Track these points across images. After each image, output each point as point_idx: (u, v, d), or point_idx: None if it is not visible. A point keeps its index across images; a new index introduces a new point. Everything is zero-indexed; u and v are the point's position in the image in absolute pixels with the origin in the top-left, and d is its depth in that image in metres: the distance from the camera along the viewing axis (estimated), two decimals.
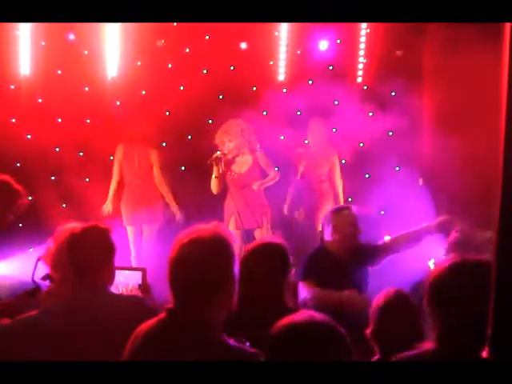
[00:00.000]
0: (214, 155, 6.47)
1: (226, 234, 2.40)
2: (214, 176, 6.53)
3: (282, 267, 3.22)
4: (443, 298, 2.28)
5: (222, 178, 6.54)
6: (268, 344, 1.98)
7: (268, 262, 3.19)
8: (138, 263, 6.73)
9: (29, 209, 4.57)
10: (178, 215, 6.97)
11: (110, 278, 2.99)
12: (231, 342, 2.31)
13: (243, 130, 6.58)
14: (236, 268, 2.37)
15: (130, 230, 6.98)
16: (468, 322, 2.21)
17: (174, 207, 6.98)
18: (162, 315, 2.38)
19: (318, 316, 1.98)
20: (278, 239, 3.44)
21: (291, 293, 3.30)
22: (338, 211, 4.77)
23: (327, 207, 6.95)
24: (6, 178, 4.34)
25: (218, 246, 2.34)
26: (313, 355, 1.89)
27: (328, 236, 4.66)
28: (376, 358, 3.13)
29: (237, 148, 6.58)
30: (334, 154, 7.28)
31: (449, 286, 2.28)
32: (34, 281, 3.44)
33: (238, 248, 6.62)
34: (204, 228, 2.38)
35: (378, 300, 3.19)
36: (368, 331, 3.18)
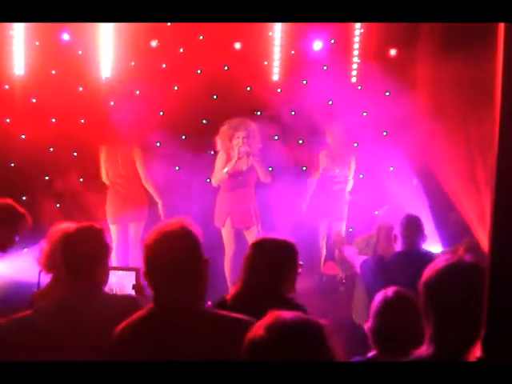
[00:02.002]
0: (243, 148, 6.47)
1: (193, 227, 2.59)
2: (225, 170, 6.51)
3: (289, 263, 3.36)
4: (437, 298, 2.28)
5: (234, 172, 6.55)
6: (245, 351, 1.94)
7: (275, 256, 3.32)
8: (121, 262, 6.70)
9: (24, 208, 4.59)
10: (162, 212, 6.95)
11: (104, 278, 2.99)
12: (222, 312, 2.60)
13: (253, 129, 6.55)
14: (202, 256, 2.57)
15: (113, 229, 6.92)
16: (462, 323, 2.21)
17: (160, 203, 6.96)
18: (150, 305, 2.56)
19: (286, 316, 1.92)
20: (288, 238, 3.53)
21: (293, 288, 3.40)
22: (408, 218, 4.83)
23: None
24: (9, 201, 4.47)
25: (187, 237, 2.54)
26: (290, 356, 1.85)
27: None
28: (372, 354, 3.14)
29: (249, 145, 6.56)
30: (353, 157, 7.28)
31: (443, 287, 2.27)
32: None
33: (231, 247, 6.64)
34: (171, 222, 2.58)
35: (378, 297, 3.20)
36: (366, 327, 3.19)
